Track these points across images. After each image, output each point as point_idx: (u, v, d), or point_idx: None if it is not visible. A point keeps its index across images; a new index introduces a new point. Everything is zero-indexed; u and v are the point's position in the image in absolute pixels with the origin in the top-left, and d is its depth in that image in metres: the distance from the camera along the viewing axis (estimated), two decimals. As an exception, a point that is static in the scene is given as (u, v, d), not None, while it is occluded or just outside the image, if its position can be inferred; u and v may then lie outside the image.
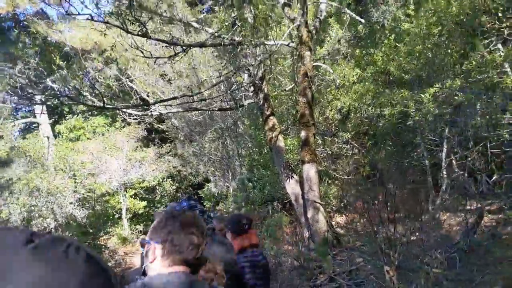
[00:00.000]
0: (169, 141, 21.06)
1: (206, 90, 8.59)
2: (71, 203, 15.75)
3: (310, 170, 8.75)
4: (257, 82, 9.30)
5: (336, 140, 9.72)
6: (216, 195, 21.14)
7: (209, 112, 13.87)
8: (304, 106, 8.57)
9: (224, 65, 9.15)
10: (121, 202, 16.35)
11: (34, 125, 21.25)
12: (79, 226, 16.57)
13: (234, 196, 13.23)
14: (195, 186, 28.18)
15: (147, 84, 14.83)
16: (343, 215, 12.17)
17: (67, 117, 20.93)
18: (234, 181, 13.97)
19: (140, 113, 8.50)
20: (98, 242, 15.71)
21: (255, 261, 3.04)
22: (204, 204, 22.48)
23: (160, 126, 22.71)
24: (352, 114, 10.00)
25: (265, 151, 11.11)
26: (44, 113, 20.16)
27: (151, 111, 8.63)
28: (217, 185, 16.54)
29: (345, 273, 7.69)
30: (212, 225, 3.24)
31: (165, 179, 24.76)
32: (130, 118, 9.81)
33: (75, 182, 15.80)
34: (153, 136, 21.59)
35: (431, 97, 7.51)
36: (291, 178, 9.39)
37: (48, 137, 19.45)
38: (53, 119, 21.91)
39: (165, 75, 13.93)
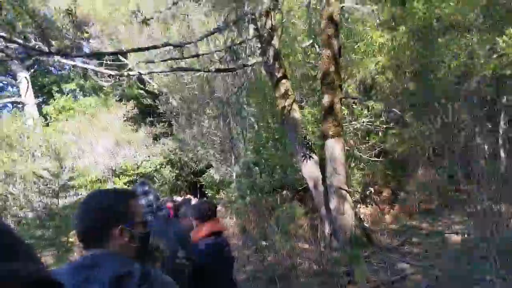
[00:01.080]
0: (163, 121, 18.98)
1: (198, 40, 6.50)
2: (53, 190, 13.88)
3: (335, 148, 6.69)
4: (265, 35, 7.20)
5: (364, 112, 7.61)
6: (217, 182, 19.16)
7: (207, 80, 11.79)
8: (328, 61, 6.47)
9: (223, 12, 7.04)
10: None
11: (19, 105, 19.27)
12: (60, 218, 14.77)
13: (237, 183, 11.22)
14: (197, 173, 26.32)
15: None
16: (367, 206, 10.14)
17: (55, 97, 18.97)
18: (237, 166, 11.94)
19: (112, 73, 6.45)
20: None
21: (218, 248, 3.06)
22: (206, 192, 20.64)
23: (151, 103, 20.65)
24: (386, 79, 7.89)
25: (275, 125, 9.02)
26: (29, 91, 18.23)
27: (127, 71, 6.60)
28: (219, 170, 14.50)
29: (386, 285, 5.65)
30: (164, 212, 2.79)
31: (164, 166, 22.85)
32: (102, 80, 7.75)
33: (58, 167, 13.93)
34: (146, 116, 19.53)
35: None
36: (309, 159, 7.34)
37: (33, 118, 17.54)
38: (42, 99, 20.04)
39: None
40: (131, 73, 6.57)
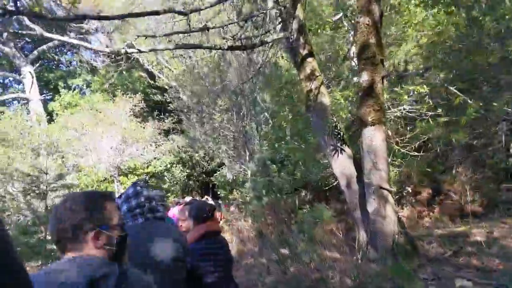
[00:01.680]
0: (172, 115, 17.90)
1: (207, 7, 5.35)
2: (54, 190, 12.92)
3: (375, 137, 5.50)
4: (287, 5, 6.04)
5: (404, 96, 6.32)
6: (230, 181, 18.02)
7: (219, 71, 10.67)
8: (367, 30, 5.27)
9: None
10: (115, 190, 13.38)
11: (23, 101, 18.44)
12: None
13: (252, 182, 10.08)
14: (208, 173, 25.23)
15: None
16: (403, 208, 8.89)
17: (61, 93, 18.09)
18: (252, 163, 10.77)
19: (107, 49, 5.35)
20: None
21: (214, 249, 3.03)
22: (218, 193, 19.56)
23: (161, 99, 19.57)
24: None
25: (296, 115, 7.81)
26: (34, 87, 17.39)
27: (124, 48, 5.49)
28: (232, 169, 13.36)
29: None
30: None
31: (175, 165, 21.82)
32: (97, 61, 6.64)
33: (60, 165, 12.96)
34: (154, 110, 18.43)
35: None
36: (341, 152, 6.14)
37: (36, 114, 16.69)
38: (48, 95, 19.17)
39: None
40: (129, 50, 5.45)
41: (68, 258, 1.36)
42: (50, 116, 17.09)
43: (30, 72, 17.55)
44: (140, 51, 5.48)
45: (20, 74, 17.74)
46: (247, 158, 11.29)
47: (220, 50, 6.19)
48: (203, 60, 12.35)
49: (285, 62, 8.45)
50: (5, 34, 17.10)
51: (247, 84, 11.26)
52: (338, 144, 6.11)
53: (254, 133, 11.08)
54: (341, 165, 6.19)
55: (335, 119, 6.16)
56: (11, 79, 20.11)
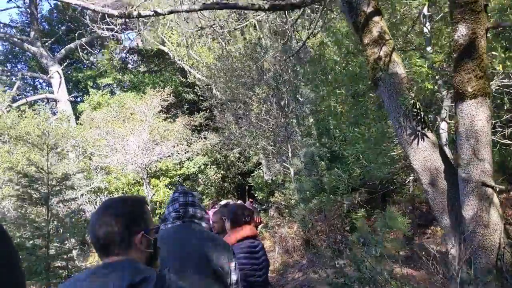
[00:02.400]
0: (204, 109, 16.69)
1: None
2: (82, 195, 12.06)
3: (477, 115, 3.99)
4: None
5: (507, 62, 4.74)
6: (269, 182, 16.66)
7: (255, 60, 9.34)
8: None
9: None
10: (144, 194, 12.33)
11: (51, 102, 17.88)
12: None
13: (297, 182, 8.67)
14: (244, 174, 24.01)
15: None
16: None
17: (90, 93, 17.41)
18: (296, 159, 9.34)
19: (115, 12, 4.16)
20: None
21: (251, 253, 3.04)
22: (255, 195, 18.26)
23: (193, 97, 18.44)
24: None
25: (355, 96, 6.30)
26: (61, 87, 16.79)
27: (136, 8, 4.30)
28: (270, 169, 11.97)
29: None
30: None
31: (209, 166, 20.73)
32: (103, 29, 5.47)
33: (86, 167, 12.08)
34: (184, 104, 17.26)
35: None
36: (422, 139, 4.64)
37: (61, 114, 16.01)
38: (77, 96, 18.60)
39: None
40: (142, 12, 4.23)
41: (110, 262, 1.39)
42: (79, 117, 16.45)
43: (57, 71, 16.98)
44: (156, 14, 4.24)
45: (48, 74, 17.21)
46: (290, 154, 9.90)
47: (258, 11, 4.84)
48: (237, 46, 11.11)
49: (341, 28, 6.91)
50: (32, 33, 16.64)
51: (287, 70, 9.88)
52: (419, 128, 4.61)
53: (296, 127, 9.69)
54: (423, 155, 4.68)
55: (413, 95, 4.66)
56: (40, 80, 19.73)
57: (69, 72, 19.48)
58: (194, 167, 17.92)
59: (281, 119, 9.95)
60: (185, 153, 12.12)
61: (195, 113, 16.54)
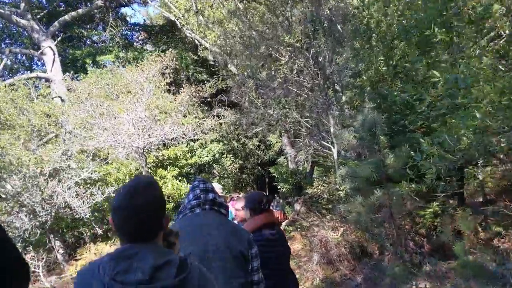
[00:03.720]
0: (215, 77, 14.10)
1: None
2: (68, 188, 9.85)
3: None
4: None
5: None
6: (296, 171, 14.18)
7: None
8: None
9: None
10: None
11: (42, 80, 15.59)
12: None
13: (345, 166, 6.10)
14: (264, 164, 21.63)
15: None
16: None
17: (89, 71, 15.15)
18: (347, 133, 6.66)
19: None
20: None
21: (272, 240, 3.07)
22: (278, 188, 15.85)
23: (205, 76, 15.96)
24: None
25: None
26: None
27: None
28: (299, 153, 9.43)
29: None
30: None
31: (225, 155, 18.37)
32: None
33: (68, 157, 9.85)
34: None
35: None
36: None
37: (60, 97, 13.88)
38: (74, 75, 16.37)
39: None
40: None
41: (134, 245, 1.37)
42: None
43: (50, 47, 14.77)
44: None
45: (39, 49, 15.02)
46: (331, 128, 7.32)
47: None
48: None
49: None
50: (22, 5, 14.50)
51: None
52: None
53: (339, 92, 7.13)
54: None
55: None
56: (36, 59, 17.59)
57: (66, 49, 17.31)
58: (207, 156, 15.56)
59: (320, 80, 7.38)
60: (194, 134, 9.64)
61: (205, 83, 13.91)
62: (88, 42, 18.49)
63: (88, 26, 18.58)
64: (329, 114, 7.16)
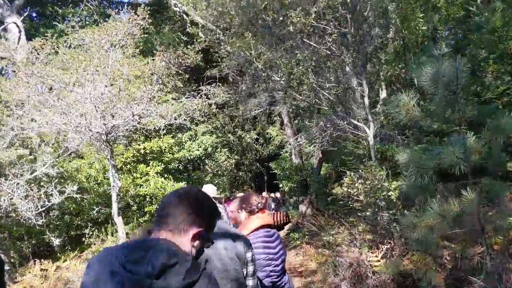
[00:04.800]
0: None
1: None
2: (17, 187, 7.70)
3: None
4: None
5: None
6: (302, 167, 12.03)
7: None
8: None
9: None
10: (109, 185, 7.78)
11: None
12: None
13: (402, 153, 3.91)
14: (263, 160, 19.50)
15: None
16: None
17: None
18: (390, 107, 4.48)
19: None
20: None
21: (268, 241, 3.06)
22: (280, 187, 13.72)
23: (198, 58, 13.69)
24: None
25: None
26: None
27: None
28: (312, 139, 7.21)
29: None
30: None
31: (219, 149, 16.19)
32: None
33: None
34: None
35: None
36: None
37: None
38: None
39: None
40: None
41: (153, 239, 1.48)
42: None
43: (16, 23, 12.62)
44: None
45: (2, 25, 12.82)
46: (366, 100, 5.09)
47: None
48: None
49: None
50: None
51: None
52: None
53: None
54: None
55: None
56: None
57: (38, 29, 15.17)
58: (198, 150, 13.39)
59: (350, 28, 5.12)
60: (176, 117, 7.35)
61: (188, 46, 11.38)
62: (60, 19, 16.26)
63: (65, 4, 16.38)
64: (364, 78, 4.98)
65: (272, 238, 3.07)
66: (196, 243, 1.49)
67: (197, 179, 14.20)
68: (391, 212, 4.27)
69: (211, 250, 2.01)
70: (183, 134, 13.33)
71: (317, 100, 5.43)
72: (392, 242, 4.50)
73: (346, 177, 4.80)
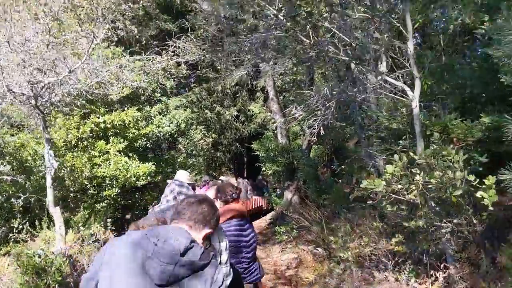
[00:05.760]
0: None
1: None
2: None
3: None
4: None
5: None
6: (289, 148, 10.44)
7: None
8: None
9: None
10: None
11: None
12: None
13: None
14: (243, 140, 17.83)
15: None
16: None
17: None
18: None
19: None
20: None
21: (241, 230, 3.22)
22: (263, 170, 12.23)
23: (170, 26, 11.73)
24: None
25: None
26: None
27: None
28: (314, 112, 5.57)
29: None
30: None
31: (194, 126, 14.41)
32: None
33: None
34: None
35: None
36: None
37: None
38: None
39: None
40: None
41: (170, 227, 1.84)
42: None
43: None
44: None
45: None
46: (411, 45, 3.33)
47: None
48: None
49: None
50: None
51: None
52: None
53: None
54: None
55: None
56: None
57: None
58: (169, 125, 11.60)
59: None
60: (133, 80, 5.61)
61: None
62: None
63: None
64: (407, 9, 3.24)
65: (244, 227, 3.21)
66: (204, 241, 1.84)
67: (169, 160, 12.49)
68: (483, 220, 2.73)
69: None
70: (151, 108, 11.52)
71: (332, 48, 3.76)
72: (452, 267, 3.00)
73: (385, 164, 3.25)
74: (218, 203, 3.19)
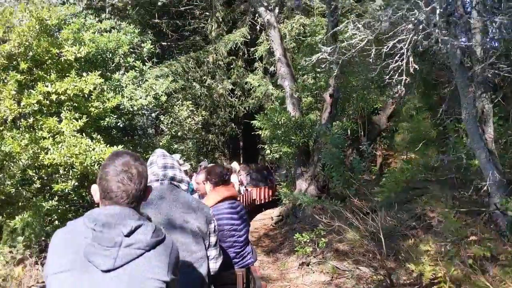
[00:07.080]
0: None
1: None
2: None
3: None
4: None
5: None
6: (302, 123, 7.93)
7: None
8: None
9: None
10: None
11: None
12: None
13: None
14: (239, 120, 15.26)
15: None
16: None
17: None
18: None
19: None
20: None
21: (232, 212, 3.09)
22: (266, 153, 9.75)
23: None
24: None
25: None
26: None
27: None
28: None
29: None
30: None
31: (180, 101, 11.76)
32: None
33: None
34: None
35: None
36: None
37: None
38: None
39: None
40: None
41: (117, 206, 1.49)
42: None
43: None
44: None
45: None
46: None
47: None
48: None
49: None
50: None
51: None
52: None
53: None
54: None
55: None
56: None
57: None
58: (145, 98, 8.95)
59: None
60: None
61: None
62: None
63: None
64: None
65: (236, 210, 3.13)
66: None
67: (149, 144, 9.96)
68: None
69: (172, 222, 2.13)
70: (122, 75, 8.88)
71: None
72: None
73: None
74: (208, 185, 3.15)
